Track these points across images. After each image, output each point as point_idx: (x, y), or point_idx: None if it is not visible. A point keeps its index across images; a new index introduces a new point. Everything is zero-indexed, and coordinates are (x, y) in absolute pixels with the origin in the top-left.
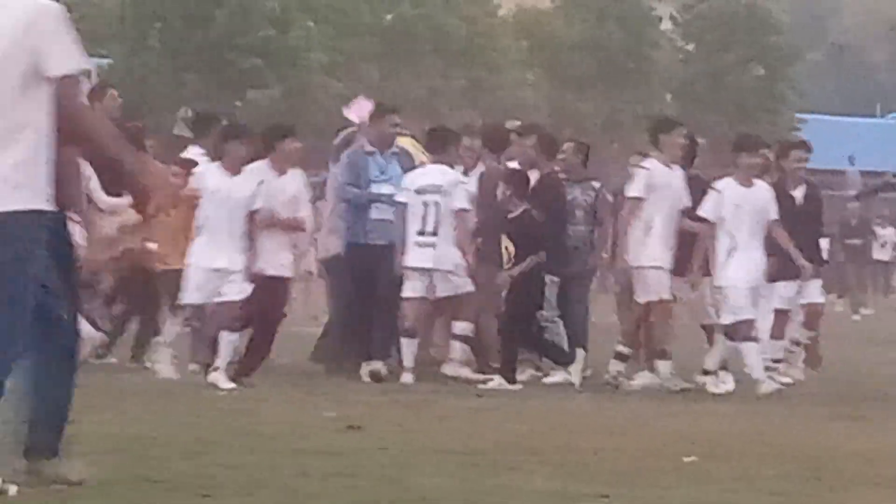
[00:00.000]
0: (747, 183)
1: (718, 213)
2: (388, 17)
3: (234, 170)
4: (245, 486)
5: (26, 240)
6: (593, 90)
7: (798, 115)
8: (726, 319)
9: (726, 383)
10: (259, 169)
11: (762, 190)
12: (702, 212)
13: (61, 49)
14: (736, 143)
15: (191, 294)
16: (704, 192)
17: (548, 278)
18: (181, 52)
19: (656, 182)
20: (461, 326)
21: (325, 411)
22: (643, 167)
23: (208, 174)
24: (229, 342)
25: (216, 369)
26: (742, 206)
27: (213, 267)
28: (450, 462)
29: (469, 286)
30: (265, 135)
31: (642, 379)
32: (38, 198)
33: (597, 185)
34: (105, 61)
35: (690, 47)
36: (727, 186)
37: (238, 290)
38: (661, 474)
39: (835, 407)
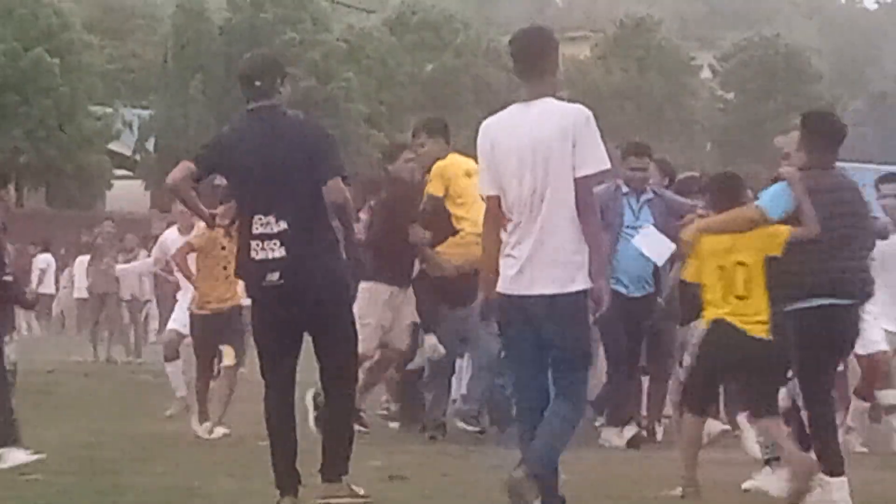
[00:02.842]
0: None
1: None
2: (430, 67)
3: None
4: None
5: None
6: (633, 138)
7: (839, 164)
8: None
9: None
10: None
11: None
12: None
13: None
14: None
15: None
16: None
17: None
18: (222, 103)
19: None
20: None
21: (372, 460)
22: None
23: None
24: None
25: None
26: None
27: None
28: None
29: None
30: None
31: None
32: None
33: None
34: (148, 112)
35: (730, 96)
36: None
37: None
38: None
39: None
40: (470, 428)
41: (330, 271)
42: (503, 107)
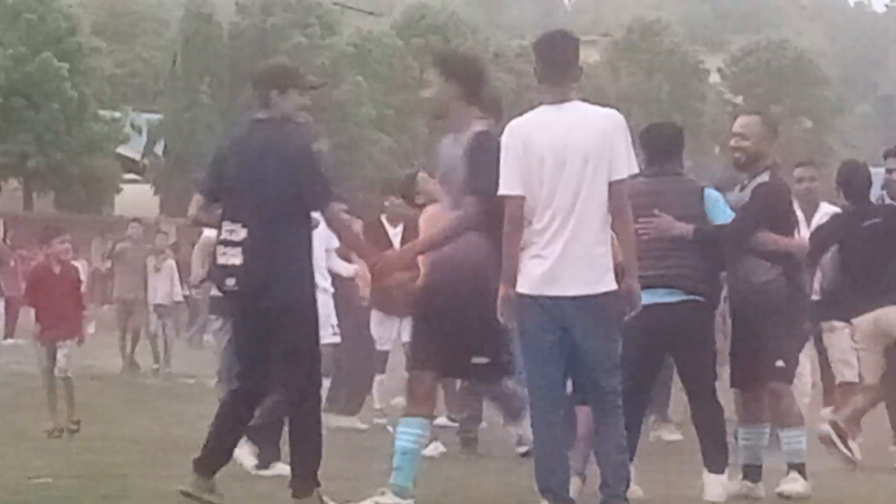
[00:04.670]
0: None
1: None
2: None
3: None
4: None
5: None
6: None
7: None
8: None
9: None
10: None
11: None
12: None
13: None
14: None
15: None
16: None
17: None
18: (231, 107)
19: None
20: None
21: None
22: None
23: None
24: None
25: None
26: None
27: None
28: None
29: None
30: None
31: None
32: None
33: None
34: (156, 117)
35: (738, 100)
36: None
37: None
38: None
39: None
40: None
41: (288, 285)
42: (511, 110)
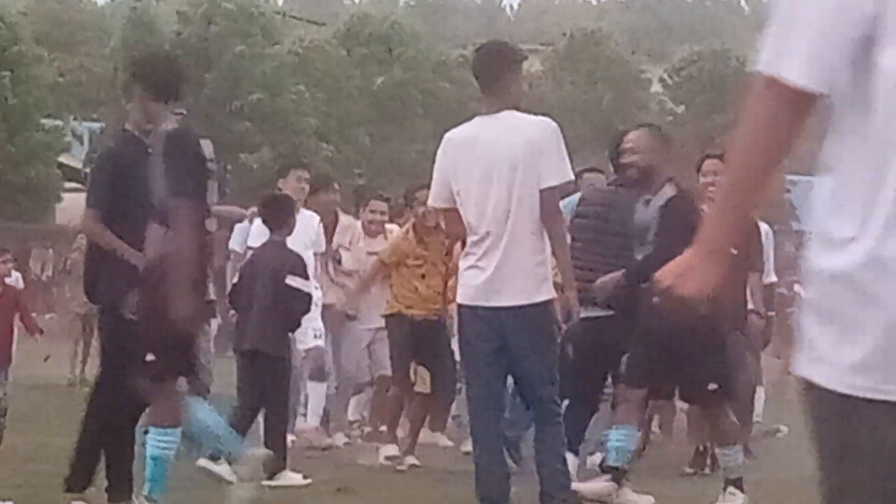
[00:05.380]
0: None
1: None
2: (379, 80)
3: None
4: None
5: None
6: (583, 152)
7: (788, 177)
8: None
9: None
10: None
11: None
12: None
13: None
14: None
15: None
16: None
17: None
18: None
19: None
20: None
21: (320, 474)
22: None
23: None
24: None
25: None
26: None
27: None
28: None
29: None
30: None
31: None
32: None
33: None
34: (98, 125)
35: (680, 109)
36: None
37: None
38: None
39: None
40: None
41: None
42: (452, 120)
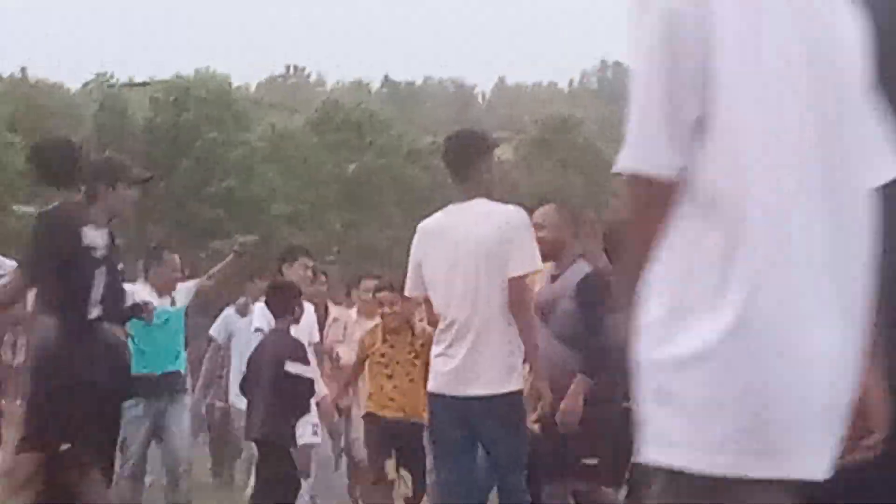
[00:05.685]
0: None
1: None
2: (351, 167)
3: None
4: None
5: None
6: None
7: None
8: None
9: None
10: None
11: None
12: None
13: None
14: None
15: None
16: None
17: None
18: (144, 202)
19: None
20: None
21: None
22: None
23: None
24: None
25: None
26: None
27: None
28: None
29: None
30: None
31: None
32: None
33: None
34: None
35: None
36: None
37: None
38: None
39: None
40: None
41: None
42: (425, 206)
